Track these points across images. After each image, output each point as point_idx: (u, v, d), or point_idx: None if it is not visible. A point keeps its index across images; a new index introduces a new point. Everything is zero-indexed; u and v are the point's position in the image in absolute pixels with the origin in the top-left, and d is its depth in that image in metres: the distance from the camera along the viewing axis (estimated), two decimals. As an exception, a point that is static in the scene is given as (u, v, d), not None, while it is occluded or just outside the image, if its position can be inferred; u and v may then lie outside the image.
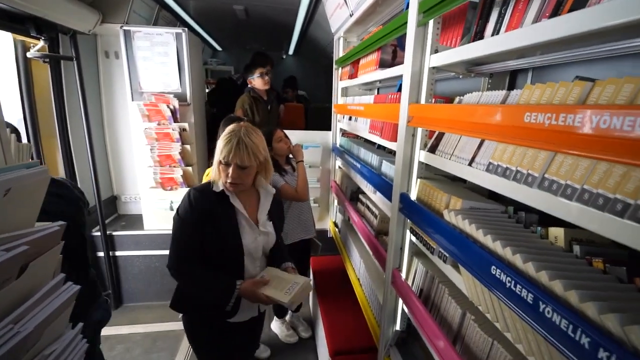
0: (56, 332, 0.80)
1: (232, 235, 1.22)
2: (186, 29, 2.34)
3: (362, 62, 1.89)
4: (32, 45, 2.06)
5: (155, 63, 2.38)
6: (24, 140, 2.10)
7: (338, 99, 2.55)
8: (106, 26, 2.34)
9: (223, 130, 1.28)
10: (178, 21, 3.22)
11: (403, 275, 1.25)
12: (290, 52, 4.97)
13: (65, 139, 2.33)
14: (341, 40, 2.41)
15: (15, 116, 2.10)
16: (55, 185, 1.21)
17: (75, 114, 2.35)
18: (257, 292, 1.18)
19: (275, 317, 2.45)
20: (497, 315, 0.70)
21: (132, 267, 2.72)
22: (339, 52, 2.45)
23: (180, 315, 1.34)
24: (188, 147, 2.46)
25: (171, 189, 2.52)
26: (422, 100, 1.09)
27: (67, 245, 0.82)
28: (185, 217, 1.18)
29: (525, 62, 0.97)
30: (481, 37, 0.98)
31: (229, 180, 1.17)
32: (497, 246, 0.71)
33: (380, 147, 2.00)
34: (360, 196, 2.03)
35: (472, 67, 1.09)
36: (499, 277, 0.65)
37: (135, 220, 2.86)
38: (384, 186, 1.39)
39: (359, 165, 1.79)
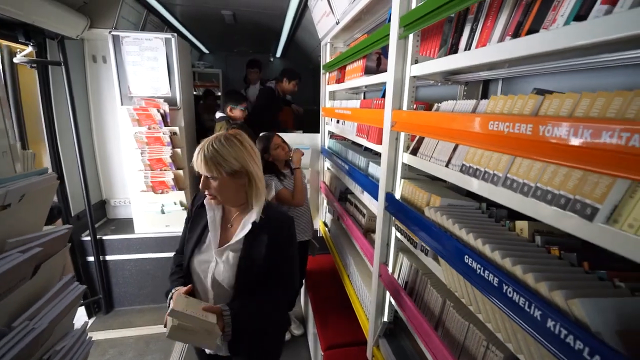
0: (65, 328, 0.85)
1: (189, 248, 1.16)
2: (175, 34, 2.38)
3: (348, 68, 1.97)
4: (18, 50, 2.05)
5: (144, 68, 2.40)
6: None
7: (326, 103, 2.63)
8: (94, 31, 2.35)
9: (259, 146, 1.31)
10: (166, 25, 3.24)
11: (390, 269, 1.34)
12: (278, 54, 5.02)
13: (53, 144, 2.33)
14: (328, 45, 2.49)
15: (1, 121, 2.09)
16: None
17: (63, 118, 2.35)
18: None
19: None
20: (471, 299, 0.79)
21: (123, 271, 2.72)
22: (326, 57, 2.53)
23: None
24: (179, 150, 2.49)
25: (162, 192, 2.54)
26: (404, 107, 1.18)
27: None
28: (187, 213, 1.24)
29: (495, 73, 1.08)
30: (456, 50, 1.08)
31: (204, 191, 1.10)
32: (470, 238, 0.80)
33: (367, 149, 2.09)
34: (349, 196, 2.11)
35: (449, 76, 1.19)
36: (471, 265, 0.74)
37: (125, 224, 2.86)
38: (370, 186, 1.47)
39: (347, 167, 1.87)
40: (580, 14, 0.66)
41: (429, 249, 1.04)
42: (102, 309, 2.72)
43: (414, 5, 1.09)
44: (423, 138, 1.11)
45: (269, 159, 2.03)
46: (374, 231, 1.79)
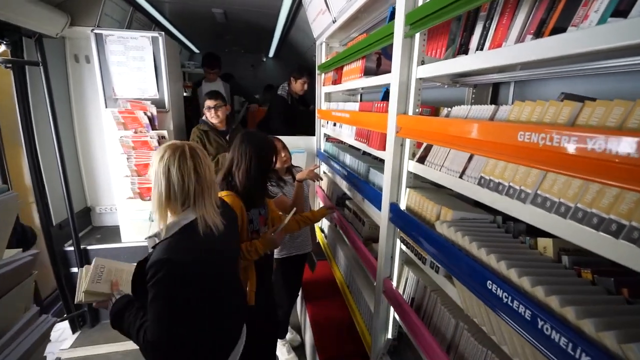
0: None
1: None
2: (163, 32, 2.26)
3: (345, 68, 1.89)
4: (-8, 49, 1.91)
5: (130, 68, 2.27)
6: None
7: (321, 105, 2.54)
8: (75, 29, 2.22)
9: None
10: (153, 24, 3.10)
11: (394, 283, 1.25)
12: (271, 54, 4.91)
13: (32, 148, 2.18)
14: (323, 45, 2.40)
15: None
16: None
17: (42, 121, 2.21)
18: None
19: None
20: (494, 328, 0.71)
21: (109, 282, 2.58)
22: (322, 57, 2.44)
23: None
24: (167, 155, 2.37)
25: (150, 199, 2.41)
26: (410, 111, 1.09)
27: None
28: None
29: (507, 76, 1.00)
30: (466, 50, 1.00)
31: None
32: (491, 259, 0.72)
33: (365, 152, 2.01)
34: (347, 202, 2.03)
35: (457, 78, 1.11)
36: (495, 292, 0.66)
37: (112, 232, 2.72)
38: (373, 195, 1.39)
39: (346, 172, 1.79)
40: (619, 9, 0.58)
41: (440, 266, 0.95)
42: (88, 323, 2.58)
43: (420, 1, 1.00)
44: (431, 145, 1.02)
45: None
46: (375, 240, 1.71)
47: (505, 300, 0.63)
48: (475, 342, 0.86)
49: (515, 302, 0.60)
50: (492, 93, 1.15)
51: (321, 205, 2.65)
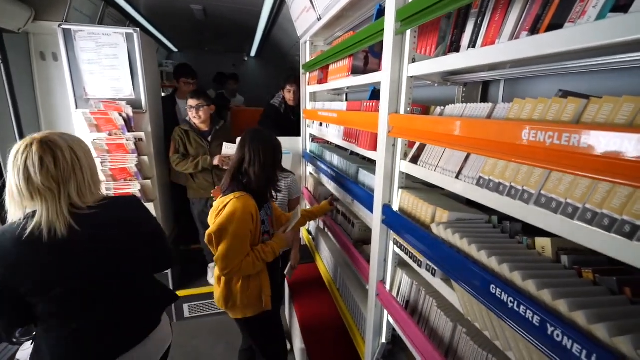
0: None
1: None
2: (138, 29, 2.13)
3: (331, 67, 1.85)
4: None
5: (102, 66, 2.14)
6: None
7: (307, 104, 2.49)
8: (41, 24, 2.06)
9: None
10: (128, 20, 2.95)
11: (388, 287, 1.22)
12: (253, 54, 4.81)
13: (-7, 153, 2.01)
14: (308, 44, 2.35)
15: None
16: None
17: (5, 124, 2.04)
18: None
19: None
20: (497, 333, 0.69)
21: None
22: (306, 56, 2.40)
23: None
24: (145, 158, 2.25)
25: (127, 205, 2.27)
26: (402, 110, 1.07)
27: None
28: None
29: (498, 74, 0.99)
30: (457, 47, 0.98)
31: None
32: (492, 262, 0.70)
33: (353, 153, 1.98)
34: (335, 203, 1.99)
35: (448, 76, 1.10)
36: (500, 296, 0.63)
37: (86, 241, 2.55)
38: (364, 197, 1.35)
39: (334, 174, 1.75)
40: (619, 4, 0.57)
41: (436, 269, 0.93)
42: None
43: (411, -3, 0.98)
44: (424, 145, 1.00)
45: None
46: (365, 242, 1.68)
47: (510, 305, 0.61)
48: (475, 345, 0.84)
49: (522, 307, 0.58)
50: (482, 91, 1.14)
51: (307, 207, 2.60)
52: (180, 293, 2.54)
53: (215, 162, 2.36)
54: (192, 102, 2.27)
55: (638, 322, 0.50)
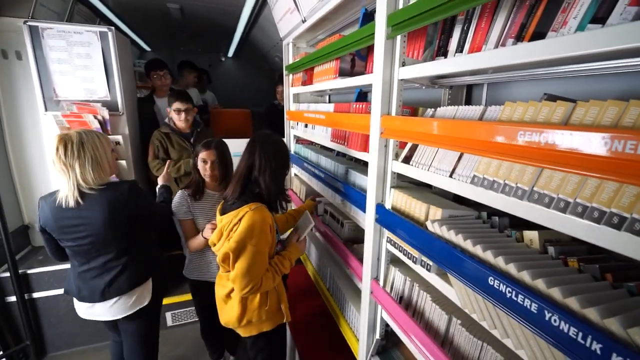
0: None
1: None
2: (113, 27, 2.04)
3: (317, 69, 1.86)
4: None
5: (74, 66, 2.02)
6: None
7: (290, 106, 2.49)
8: (3, 20, 1.92)
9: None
10: (98, 17, 2.80)
11: (381, 284, 1.25)
12: (230, 54, 4.72)
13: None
14: (290, 45, 2.35)
15: None
16: None
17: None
18: None
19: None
20: (495, 322, 0.73)
21: (57, 309, 2.28)
22: (289, 57, 2.39)
23: None
24: (123, 162, 2.15)
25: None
26: (393, 112, 1.10)
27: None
28: None
29: (482, 78, 1.05)
30: (445, 52, 1.03)
31: None
32: (487, 255, 0.74)
33: (339, 154, 2.01)
34: (318, 199, 2.00)
35: (436, 79, 1.15)
36: (498, 287, 0.67)
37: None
38: (355, 196, 1.38)
39: (322, 175, 1.76)
40: (597, 17, 0.63)
41: (431, 264, 0.97)
42: (31, 357, 2.25)
43: (401, 2, 1.01)
44: (417, 146, 1.04)
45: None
46: (355, 241, 1.71)
47: (509, 295, 0.65)
48: (470, 335, 0.89)
49: (520, 296, 0.62)
50: (467, 94, 1.20)
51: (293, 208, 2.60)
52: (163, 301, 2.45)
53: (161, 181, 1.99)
54: (179, 105, 2.19)
55: (622, 304, 0.56)
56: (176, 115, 2.21)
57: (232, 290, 1.35)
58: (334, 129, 1.65)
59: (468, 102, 1.22)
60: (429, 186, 1.29)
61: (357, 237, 1.75)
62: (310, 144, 2.41)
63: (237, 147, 2.39)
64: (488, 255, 0.74)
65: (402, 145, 1.15)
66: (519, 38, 0.79)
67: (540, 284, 0.62)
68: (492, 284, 0.69)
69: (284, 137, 2.69)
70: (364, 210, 1.29)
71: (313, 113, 1.85)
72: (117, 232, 1.38)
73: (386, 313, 1.20)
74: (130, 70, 2.43)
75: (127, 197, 1.38)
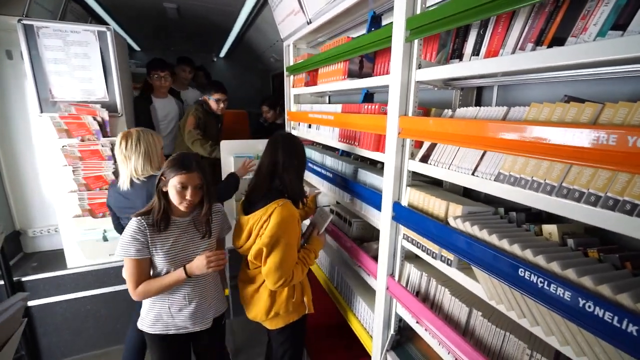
0: None
1: None
2: (112, 27, 2.00)
3: (322, 70, 1.88)
4: None
5: (71, 66, 1.96)
6: None
7: (291, 107, 2.49)
8: (-4, 18, 1.84)
9: None
10: (90, 16, 2.73)
11: (397, 279, 1.29)
12: (222, 54, 4.67)
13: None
14: (291, 46, 2.36)
15: None
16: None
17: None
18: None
19: None
20: (524, 311, 0.77)
21: (52, 317, 2.20)
22: (290, 58, 2.40)
23: None
24: (123, 165, 2.10)
25: (104, 216, 2.11)
26: (410, 112, 1.13)
27: None
28: None
29: (494, 81, 1.10)
30: (460, 55, 1.07)
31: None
32: (515, 249, 0.78)
33: (343, 153, 2.03)
34: (332, 206, 2.02)
35: (449, 81, 1.19)
36: (529, 278, 0.71)
37: (52, 258, 2.33)
38: (368, 195, 1.40)
39: (330, 174, 1.78)
40: (618, 23, 0.68)
41: (452, 259, 1.01)
42: (26, 368, 2.16)
43: (419, 7, 1.05)
44: (434, 145, 1.08)
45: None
46: (364, 240, 1.74)
47: (540, 285, 0.69)
48: (492, 326, 0.93)
49: (552, 286, 0.66)
50: (477, 95, 1.25)
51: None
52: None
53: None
54: (220, 96, 2.56)
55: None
56: (215, 105, 2.57)
57: (261, 284, 1.41)
58: (342, 129, 1.68)
59: (478, 103, 1.27)
60: (438, 184, 1.33)
61: (365, 236, 1.78)
62: (311, 144, 2.43)
63: (241, 148, 2.39)
64: (515, 249, 0.78)
65: (417, 144, 1.19)
66: (538, 42, 0.83)
67: (570, 273, 0.66)
68: (522, 275, 0.73)
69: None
70: (378, 208, 1.32)
71: (319, 114, 1.86)
72: None
73: (404, 308, 1.23)
74: (127, 71, 2.38)
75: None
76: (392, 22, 1.14)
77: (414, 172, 1.18)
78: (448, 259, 1.02)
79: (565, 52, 0.67)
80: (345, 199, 1.66)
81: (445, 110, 1.07)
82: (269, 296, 1.39)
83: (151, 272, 1.31)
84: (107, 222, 2.14)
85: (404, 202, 1.21)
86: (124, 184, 1.56)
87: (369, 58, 1.58)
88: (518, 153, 0.73)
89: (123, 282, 2.41)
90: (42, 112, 1.95)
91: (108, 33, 1.98)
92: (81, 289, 2.23)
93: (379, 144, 1.36)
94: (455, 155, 0.98)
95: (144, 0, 2.48)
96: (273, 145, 1.37)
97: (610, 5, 0.68)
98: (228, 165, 2.36)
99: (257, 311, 1.44)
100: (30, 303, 2.14)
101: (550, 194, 0.70)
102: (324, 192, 1.92)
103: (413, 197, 1.18)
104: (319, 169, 1.93)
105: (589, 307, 0.60)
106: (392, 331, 1.38)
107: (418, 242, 1.15)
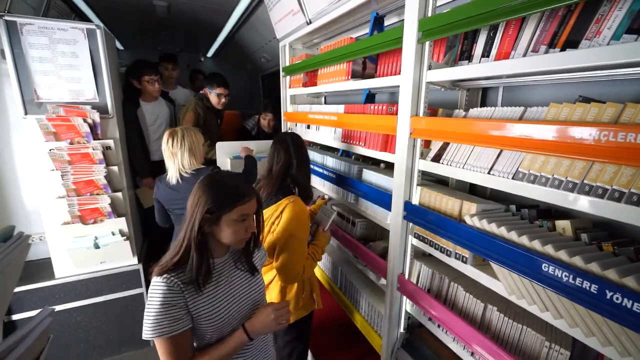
0: None
1: None
2: (102, 25, 1.91)
3: (322, 71, 1.88)
4: None
5: (58, 66, 1.86)
6: None
7: (287, 107, 2.48)
8: (-26, 14, 1.72)
9: None
10: (73, 12, 2.60)
11: (407, 278, 1.30)
12: (210, 54, 4.58)
13: None
14: (287, 47, 2.34)
15: None
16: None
17: None
18: None
19: None
20: (546, 305, 0.79)
21: (40, 330, 2.08)
22: (286, 59, 2.38)
23: None
24: (115, 168, 2.02)
25: (94, 222, 2.02)
26: (421, 113, 1.15)
27: None
28: None
29: (500, 82, 1.13)
30: (469, 56, 1.09)
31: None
32: (535, 244, 0.80)
33: (344, 153, 2.03)
34: (327, 197, 2.01)
35: (457, 82, 1.21)
36: (552, 273, 0.74)
37: (37, 268, 2.20)
38: (375, 195, 1.41)
39: (333, 175, 1.78)
40: (633, 27, 0.71)
41: (467, 256, 1.03)
42: (11, 386, 2.03)
43: (430, 9, 1.06)
44: (447, 145, 1.09)
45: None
46: (368, 239, 1.74)
47: (565, 279, 0.71)
48: (509, 320, 0.96)
49: (578, 279, 0.69)
50: (482, 96, 1.28)
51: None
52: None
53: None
54: (223, 90, 2.53)
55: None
56: (216, 99, 2.53)
57: (271, 281, 1.42)
58: (345, 130, 1.68)
59: (483, 104, 1.30)
60: (443, 183, 1.36)
61: (369, 236, 1.79)
62: (309, 144, 2.42)
63: (237, 150, 2.35)
64: (536, 244, 0.80)
65: (426, 144, 1.20)
66: (551, 45, 0.86)
67: (594, 267, 0.69)
68: (546, 270, 0.75)
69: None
70: (387, 208, 1.33)
71: (320, 114, 1.86)
72: None
73: (416, 306, 1.24)
74: (117, 71, 2.29)
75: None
76: (400, 23, 1.15)
77: (433, 172, 1.19)
78: (463, 256, 1.04)
79: (584, 54, 0.70)
80: (350, 199, 1.67)
81: (457, 111, 1.09)
82: (279, 291, 1.41)
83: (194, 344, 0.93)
84: (99, 229, 2.05)
85: (415, 201, 1.22)
86: (172, 178, 1.66)
87: (372, 59, 1.59)
88: (548, 153, 0.74)
89: (115, 290, 2.32)
90: (26, 113, 1.84)
91: (98, 31, 1.90)
92: (70, 300, 2.13)
93: (386, 144, 1.37)
94: (470, 154, 1.00)
95: (133, -3, 2.39)
96: (283, 145, 1.40)
97: (624, 10, 0.71)
98: (225, 167, 2.31)
99: None
100: (15, 317, 2.02)
101: (572, 191, 0.73)
102: (326, 193, 1.92)
103: (424, 196, 1.20)
104: (320, 170, 1.93)
105: (617, 298, 0.63)
106: (402, 329, 1.39)
107: (431, 240, 1.17)
